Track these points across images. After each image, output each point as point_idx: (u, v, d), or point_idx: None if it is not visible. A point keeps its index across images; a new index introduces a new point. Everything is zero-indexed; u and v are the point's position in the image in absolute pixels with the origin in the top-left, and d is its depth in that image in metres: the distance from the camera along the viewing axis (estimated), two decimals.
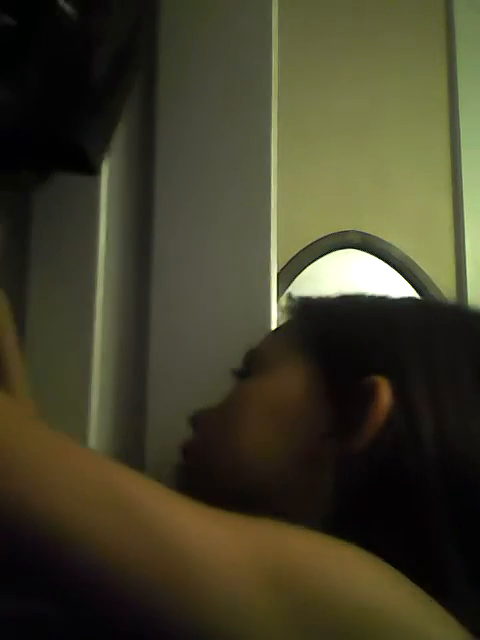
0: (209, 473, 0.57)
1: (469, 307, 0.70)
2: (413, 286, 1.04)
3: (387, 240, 1.05)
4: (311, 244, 1.00)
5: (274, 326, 0.80)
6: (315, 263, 1.01)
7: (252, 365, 0.62)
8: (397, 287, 1.04)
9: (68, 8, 0.37)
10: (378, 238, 1.04)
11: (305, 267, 1.01)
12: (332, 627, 0.39)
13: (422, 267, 1.05)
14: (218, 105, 0.83)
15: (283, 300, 0.84)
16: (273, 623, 0.39)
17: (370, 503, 0.50)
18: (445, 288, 1.05)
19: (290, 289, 0.93)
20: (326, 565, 0.42)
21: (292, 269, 0.99)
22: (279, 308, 0.82)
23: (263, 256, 0.82)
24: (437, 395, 0.52)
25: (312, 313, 0.63)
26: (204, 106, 0.83)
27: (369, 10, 1.06)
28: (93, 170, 0.46)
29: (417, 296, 1.02)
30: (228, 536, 0.40)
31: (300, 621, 0.39)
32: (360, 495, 0.50)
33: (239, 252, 0.81)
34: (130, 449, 0.79)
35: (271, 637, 0.39)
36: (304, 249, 1.00)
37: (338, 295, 0.65)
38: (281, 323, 0.69)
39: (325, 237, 1.01)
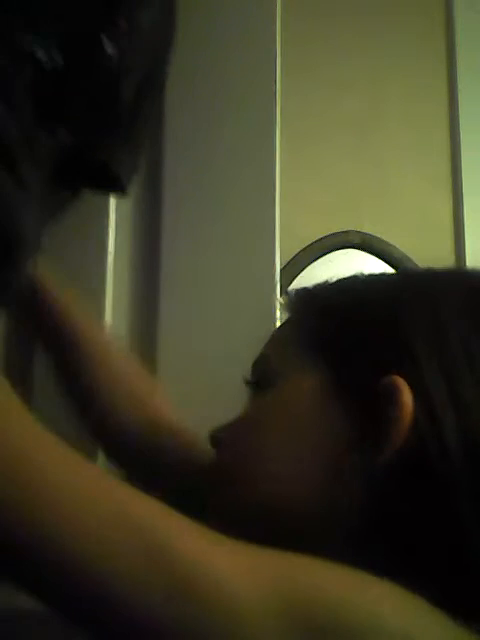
0: (234, 499, 0.54)
1: (472, 271, 0.65)
2: None
3: (387, 240, 1.05)
4: (311, 244, 1.01)
5: (278, 325, 0.80)
6: (315, 263, 1.02)
7: (262, 376, 0.59)
8: None
9: (111, 49, 0.38)
10: (378, 238, 1.05)
11: (305, 267, 1.01)
12: None
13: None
14: (222, 107, 0.83)
15: (282, 298, 0.84)
16: None
17: (402, 510, 0.48)
18: None
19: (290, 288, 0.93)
20: (344, 599, 0.42)
21: (293, 269, 0.99)
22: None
23: (267, 256, 0.82)
24: (455, 386, 0.50)
25: (310, 311, 0.59)
26: (208, 111, 0.83)
27: (369, 12, 1.06)
28: (124, 191, 0.46)
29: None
30: (245, 571, 0.41)
31: None
32: (392, 503, 0.48)
33: (243, 253, 0.82)
34: None
35: None
36: (304, 249, 1.00)
37: (334, 281, 0.61)
38: (282, 321, 0.66)
39: (325, 237, 1.02)
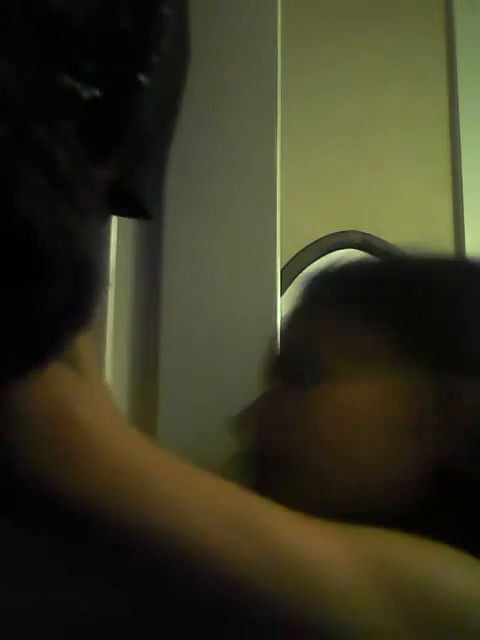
0: (316, 488, 0.55)
1: None
2: None
3: (387, 240, 1.05)
4: (312, 244, 1.01)
5: (278, 326, 0.80)
6: (316, 263, 1.02)
7: (309, 371, 0.58)
8: None
9: (145, 80, 0.39)
10: (378, 238, 1.05)
11: (305, 267, 1.01)
12: (445, 624, 0.42)
13: None
14: (222, 109, 0.84)
15: (286, 297, 0.84)
16: (394, 632, 0.41)
17: (461, 497, 0.51)
18: None
19: (291, 289, 0.93)
20: (433, 570, 0.44)
21: (293, 268, 0.99)
22: (283, 307, 0.82)
23: (267, 256, 0.82)
24: None
25: (378, 298, 0.61)
26: (209, 112, 0.83)
27: (369, 12, 1.06)
28: (149, 217, 0.47)
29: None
30: (343, 553, 0.42)
31: (418, 628, 0.41)
32: (452, 491, 0.51)
33: (244, 253, 0.82)
34: None
35: None
36: (305, 249, 1.00)
37: (385, 262, 0.63)
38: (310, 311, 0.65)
39: (325, 237, 1.02)
